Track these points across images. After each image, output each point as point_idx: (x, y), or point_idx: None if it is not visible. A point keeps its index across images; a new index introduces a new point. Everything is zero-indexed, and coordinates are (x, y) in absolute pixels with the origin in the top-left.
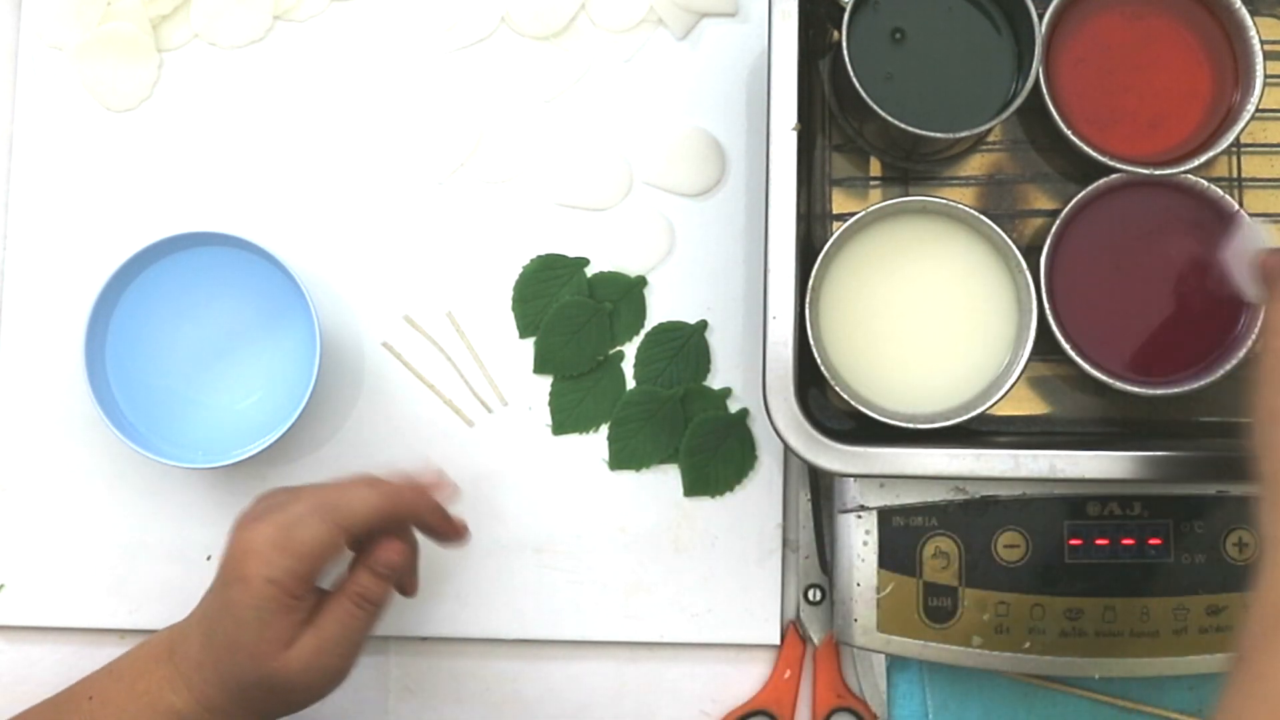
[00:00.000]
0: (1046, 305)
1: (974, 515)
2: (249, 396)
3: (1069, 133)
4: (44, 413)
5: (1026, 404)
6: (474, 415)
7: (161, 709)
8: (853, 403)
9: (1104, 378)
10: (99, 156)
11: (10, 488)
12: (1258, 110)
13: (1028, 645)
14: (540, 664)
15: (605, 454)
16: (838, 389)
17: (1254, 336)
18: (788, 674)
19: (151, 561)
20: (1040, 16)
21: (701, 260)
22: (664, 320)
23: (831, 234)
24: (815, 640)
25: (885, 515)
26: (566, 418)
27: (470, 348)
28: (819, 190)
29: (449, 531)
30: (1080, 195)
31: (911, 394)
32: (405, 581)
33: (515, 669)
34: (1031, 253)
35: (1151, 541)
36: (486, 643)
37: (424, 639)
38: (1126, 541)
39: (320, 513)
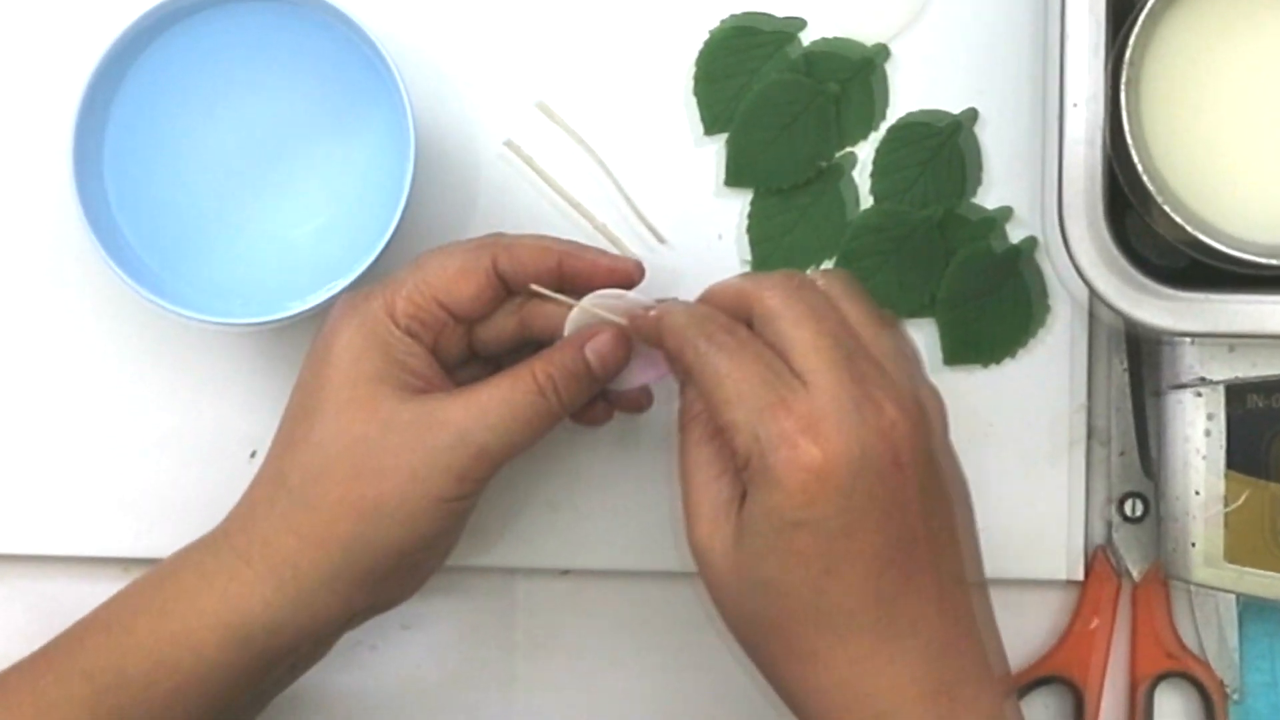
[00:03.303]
0: None
1: None
2: (309, 221)
3: None
4: (17, 248)
5: None
6: (639, 247)
7: (234, 620)
8: (1189, 229)
9: None
10: None
11: None
12: None
13: None
14: None
15: None
16: (1166, 209)
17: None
18: (1094, 624)
19: (169, 463)
20: None
21: (967, 23)
22: (913, 111)
23: None
24: (1134, 575)
25: (1236, 394)
26: (773, 250)
27: (632, 150)
28: None
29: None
30: None
31: (1276, 216)
32: (595, 407)
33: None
34: None
35: None
36: (654, 576)
37: (564, 571)
38: None
39: (457, 247)
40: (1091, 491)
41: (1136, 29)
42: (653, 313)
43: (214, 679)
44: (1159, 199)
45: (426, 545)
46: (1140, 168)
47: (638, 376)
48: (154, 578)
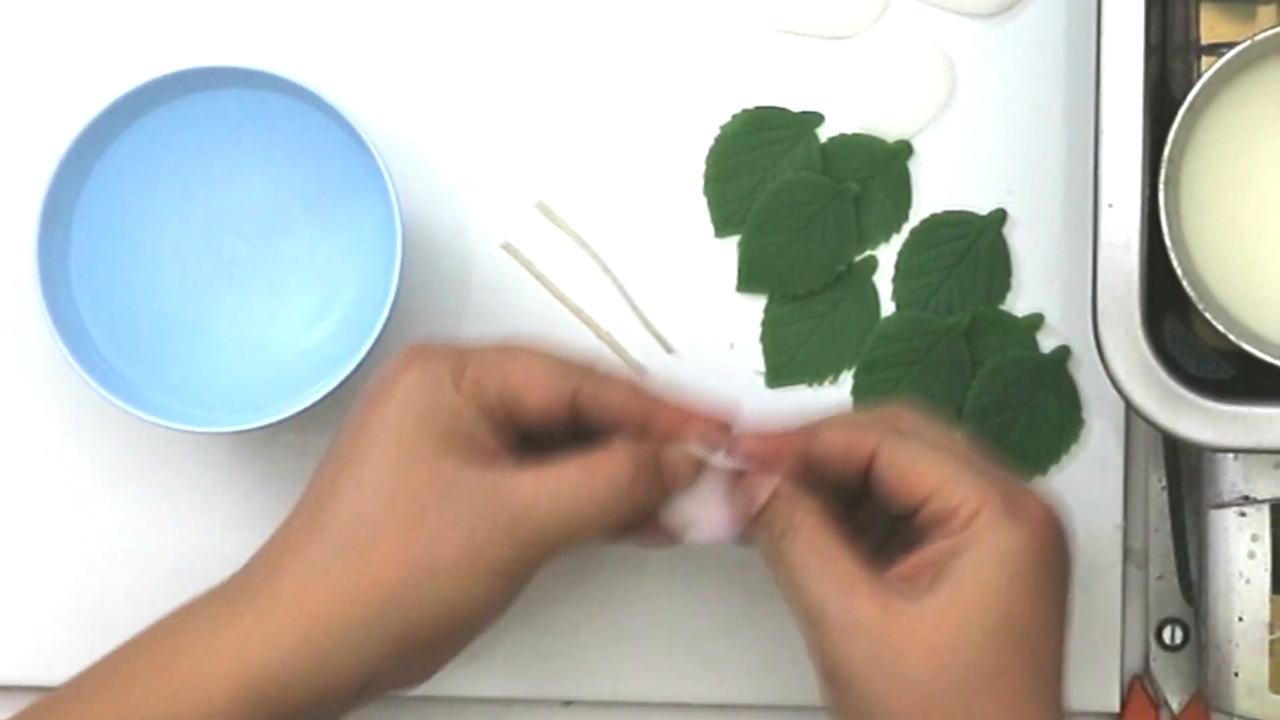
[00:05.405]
0: None
1: None
2: (294, 322)
3: None
4: None
5: None
6: (645, 356)
7: (250, 676)
8: (1232, 337)
9: None
10: None
11: None
12: None
13: None
14: None
15: None
16: (1208, 316)
17: None
18: None
19: (145, 583)
20: None
21: (995, 118)
22: (938, 211)
23: (1199, 76)
24: (1174, 707)
25: None
26: (789, 360)
27: (638, 253)
28: (1180, 8)
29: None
30: None
31: None
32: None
33: None
34: None
35: None
36: (665, 708)
37: (566, 703)
38: None
39: (549, 355)
40: (1128, 617)
41: (1176, 124)
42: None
43: None
44: (1200, 306)
45: (467, 620)
46: (1180, 272)
47: (705, 530)
48: (156, 631)
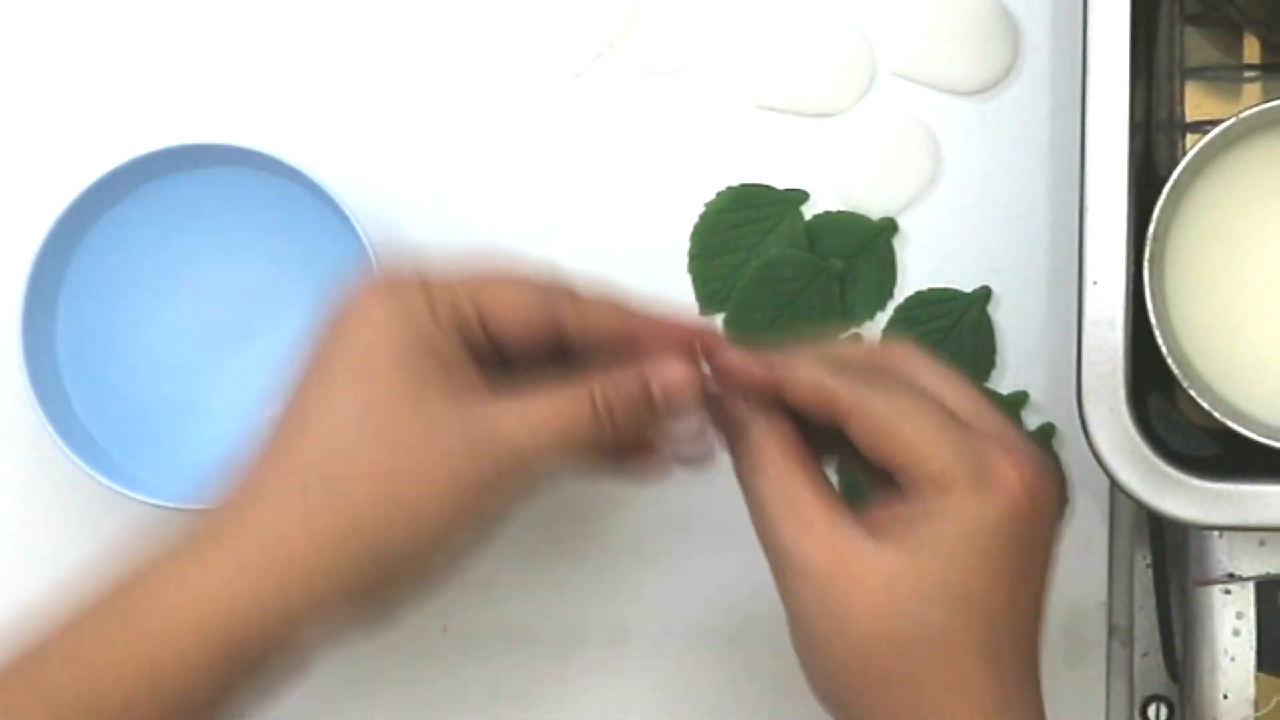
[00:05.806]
0: None
1: None
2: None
3: None
4: None
5: None
6: None
7: (228, 633)
8: (1217, 415)
9: None
10: (51, 33)
11: None
12: None
13: None
14: None
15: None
16: (1193, 394)
17: None
18: None
19: None
20: None
21: (980, 196)
22: (922, 290)
23: (1184, 154)
24: None
25: (1267, 591)
26: None
27: None
28: (1165, 85)
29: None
30: None
31: None
32: (654, 457)
33: None
34: None
35: None
36: None
37: None
38: None
39: (521, 279)
40: (1112, 695)
41: (1161, 202)
42: (759, 367)
43: (202, 700)
44: (1185, 383)
45: (444, 559)
46: (1165, 350)
47: (687, 452)
48: (122, 593)
